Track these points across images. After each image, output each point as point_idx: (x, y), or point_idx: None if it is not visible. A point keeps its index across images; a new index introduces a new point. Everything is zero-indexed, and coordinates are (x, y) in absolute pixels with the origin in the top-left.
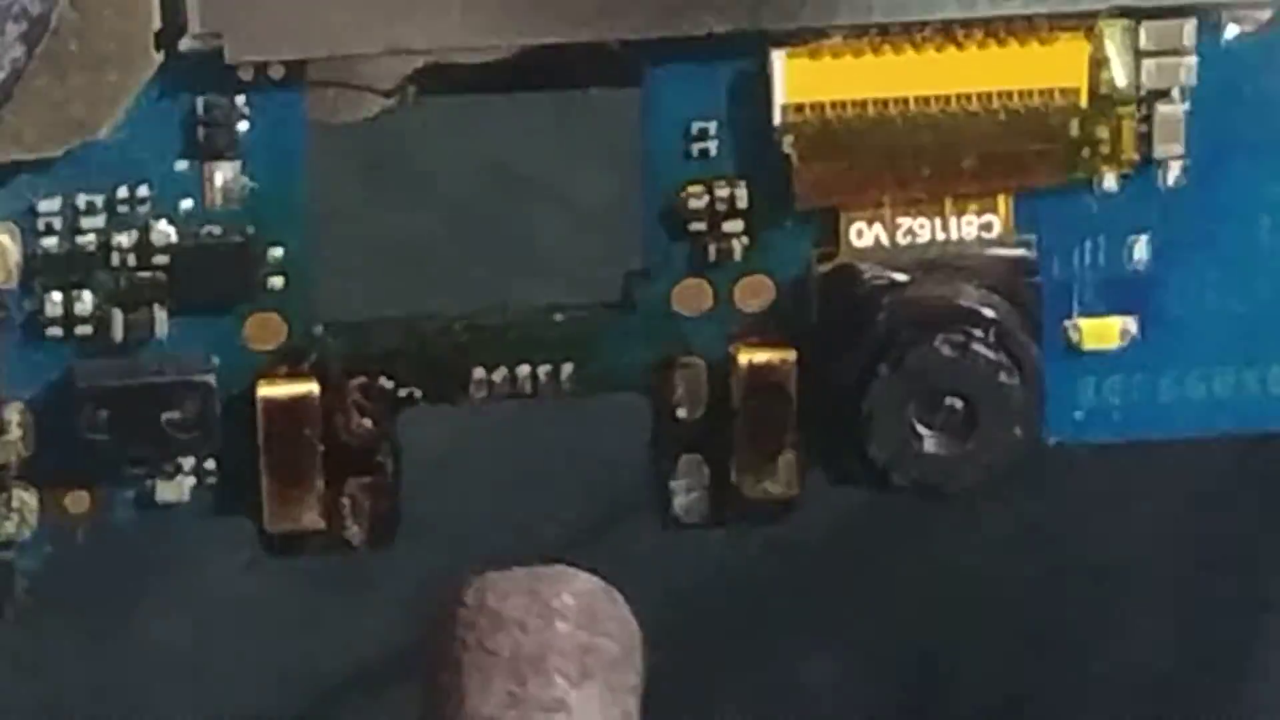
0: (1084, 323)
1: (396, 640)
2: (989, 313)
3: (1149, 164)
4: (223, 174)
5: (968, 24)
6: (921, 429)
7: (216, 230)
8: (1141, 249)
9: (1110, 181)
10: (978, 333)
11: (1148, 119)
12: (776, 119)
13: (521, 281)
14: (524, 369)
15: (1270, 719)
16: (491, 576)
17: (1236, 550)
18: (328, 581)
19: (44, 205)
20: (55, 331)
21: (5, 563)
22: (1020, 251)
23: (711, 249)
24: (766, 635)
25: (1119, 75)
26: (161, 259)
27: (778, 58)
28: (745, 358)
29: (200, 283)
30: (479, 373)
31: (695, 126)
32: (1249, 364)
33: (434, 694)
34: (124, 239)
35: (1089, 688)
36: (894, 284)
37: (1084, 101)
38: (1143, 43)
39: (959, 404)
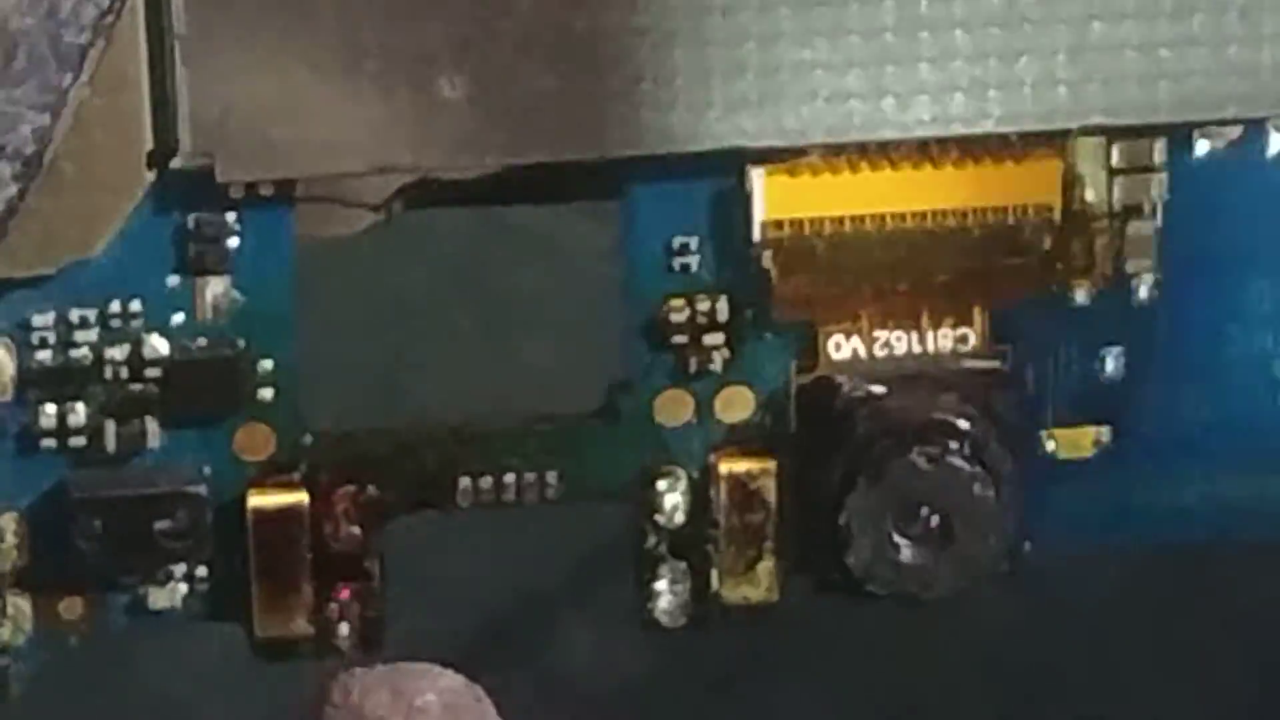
0: (1058, 433)
1: None
2: (964, 425)
3: (1121, 278)
4: (213, 289)
5: (943, 142)
6: (899, 539)
7: (207, 344)
8: (1114, 361)
9: (1083, 295)
10: (953, 444)
11: (1120, 235)
12: (756, 235)
13: (507, 392)
14: (510, 478)
15: None
16: (358, 673)
17: (1201, 657)
18: (317, 687)
19: (38, 320)
20: (49, 443)
21: (1, 668)
22: (995, 364)
23: (693, 361)
24: None
25: (1091, 192)
26: (154, 372)
27: (757, 175)
28: (726, 467)
29: (191, 395)
30: (465, 481)
31: (676, 241)
32: (1221, 473)
33: None
34: (117, 353)
35: None
36: (871, 396)
37: (1058, 218)
38: (1115, 160)
39: (936, 514)
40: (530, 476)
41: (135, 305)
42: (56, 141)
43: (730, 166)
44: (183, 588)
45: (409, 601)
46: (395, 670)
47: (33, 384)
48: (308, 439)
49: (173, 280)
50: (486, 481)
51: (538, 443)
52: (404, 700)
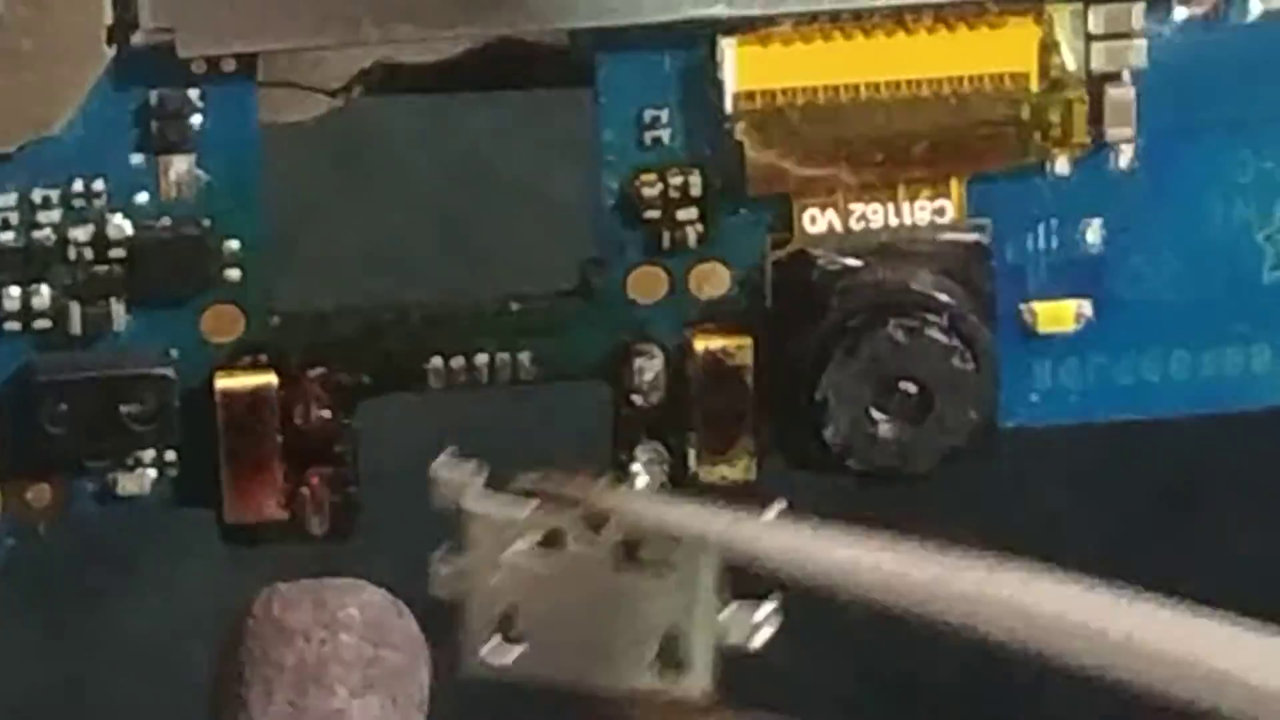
0: (1038, 306)
1: None
2: (942, 297)
3: (1101, 147)
4: (177, 168)
5: (917, 9)
6: (877, 414)
7: (172, 223)
8: (1094, 232)
9: (1062, 165)
10: (931, 318)
11: (1098, 102)
12: (728, 107)
13: (477, 271)
14: (481, 358)
15: None
16: (280, 588)
17: (1195, 530)
18: (290, 572)
19: None
20: (13, 326)
21: None
22: (973, 236)
23: (666, 237)
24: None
25: (1069, 59)
26: (118, 253)
27: (728, 45)
28: (701, 344)
29: (157, 276)
30: (436, 362)
31: (648, 115)
32: (1204, 345)
33: (218, 705)
34: (80, 233)
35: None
36: (847, 270)
37: (1034, 85)
38: (1092, 26)
39: (914, 388)
40: (503, 357)
41: (98, 185)
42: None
43: (700, 37)
44: (151, 473)
45: (381, 484)
46: (318, 584)
47: None
48: (275, 320)
49: (136, 159)
50: (458, 362)
51: (510, 322)
52: (326, 613)
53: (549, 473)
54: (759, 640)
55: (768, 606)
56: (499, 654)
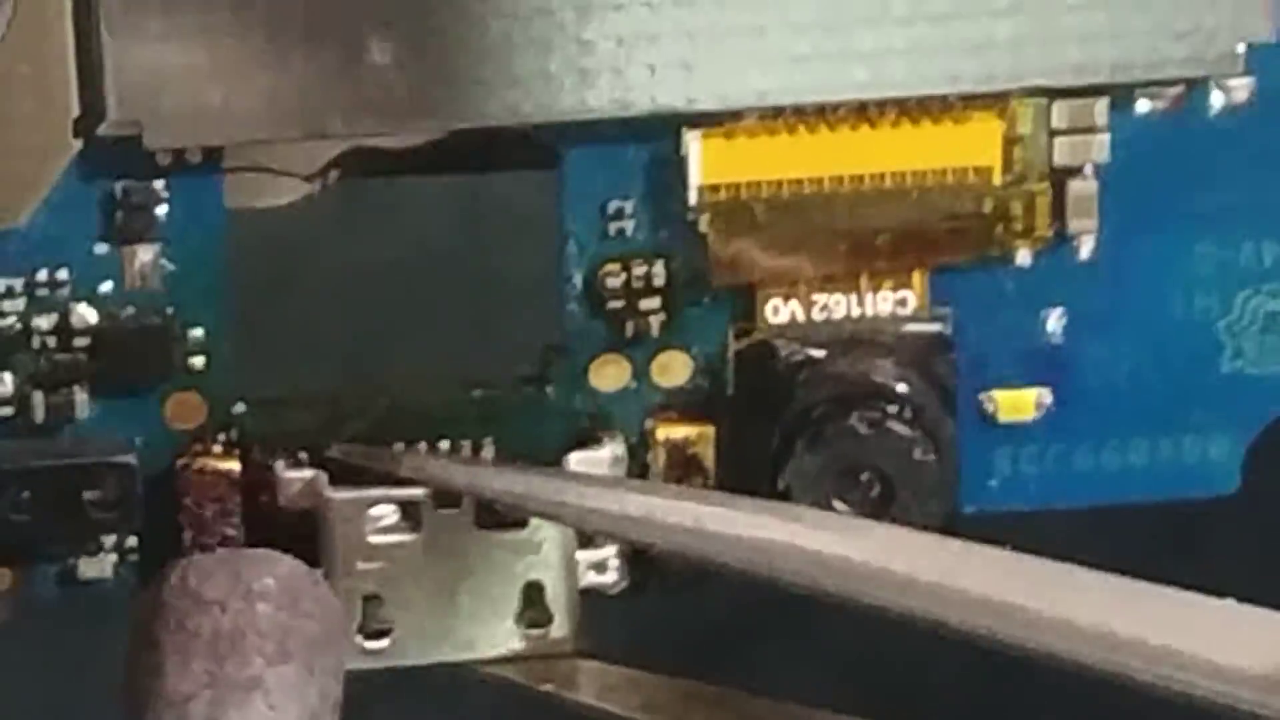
0: (1000, 394)
1: None
2: (904, 389)
3: (1062, 239)
4: (142, 257)
5: (881, 104)
6: (839, 504)
7: (136, 312)
8: (1056, 322)
9: (1024, 256)
10: (893, 409)
11: (1061, 195)
12: (692, 199)
13: (441, 359)
14: (444, 445)
15: None
16: (196, 559)
17: None
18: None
19: None
20: None
21: None
22: (935, 327)
23: (629, 326)
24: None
25: (1032, 152)
26: (82, 341)
27: (692, 138)
28: (664, 433)
29: (121, 364)
30: (399, 448)
31: (612, 206)
32: (1163, 433)
33: (134, 674)
34: (44, 321)
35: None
36: (810, 360)
37: (998, 179)
38: (1055, 121)
39: (876, 479)
40: (465, 445)
41: (62, 274)
42: None
43: (665, 130)
44: (113, 558)
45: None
46: (234, 555)
47: None
48: (239, 407)
49: (101, 248)
50: (420, 448)
51: (472, 410)
52: (242, 583)
53: (364, 449)
54: (610, 580)
55: (613, 546)
56: (370, 645)
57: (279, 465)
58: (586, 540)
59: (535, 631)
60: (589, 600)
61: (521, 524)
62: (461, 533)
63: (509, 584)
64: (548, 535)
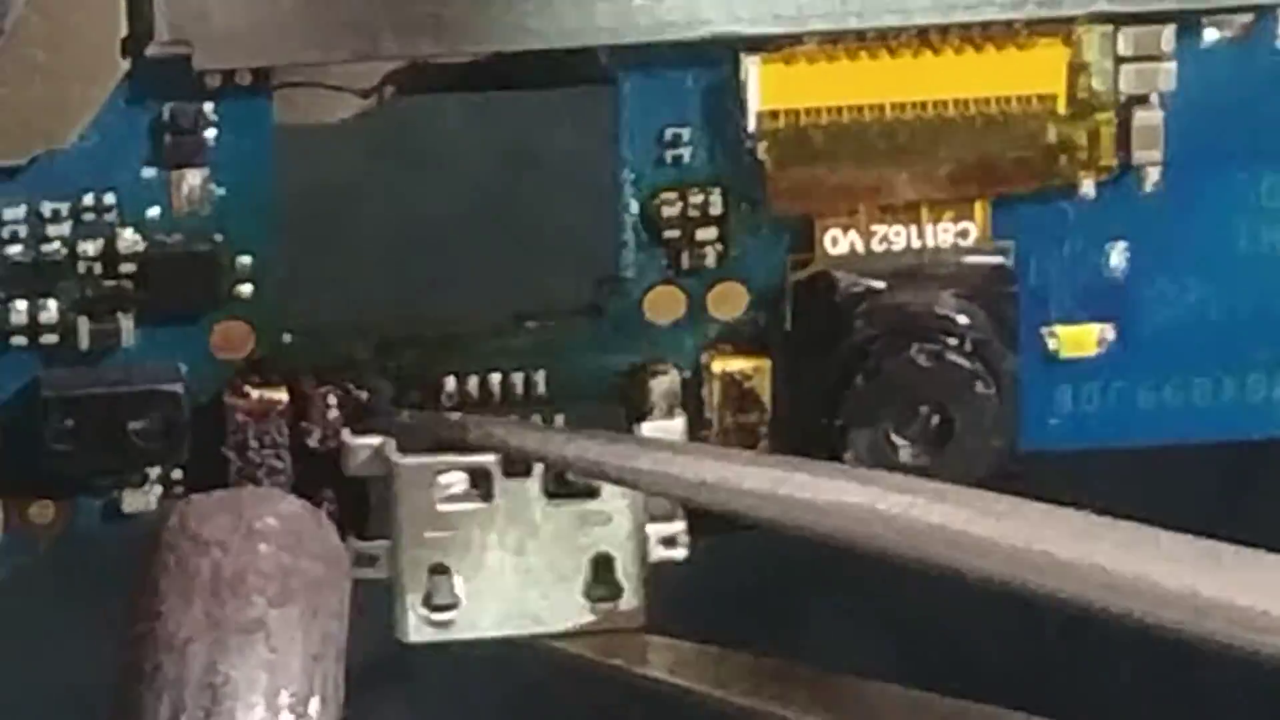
0: (1061, 330)
1: (372, 648)
2: (965, 321)
3: (1127, 170)
4: (190, 181)
5: (945, 30)
6: (897, 439)
7: (184, 238)
8: (1119, 255)
9: (1088, 188)
10: (953, 342)
11: (1126, 125)
12: (751, 125)
13: (493, 289)
14: (495, 377)
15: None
16: (196, 499)
17: None
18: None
19: (9, 213)
20: (20, 340)
21: None
22: (997, 259)
23: (685, 256)
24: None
25: (1097, 81)
26: (128, 267)
27: (752, 64)
28: (719, 366)
29: (167, 291)
30: (450, 382)
31: (669, 133)
32: (1227, 371)
33: (134, 617)
34: (90, 247)
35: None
36: (869, 292)
37: (1062, 107)
38: (1121, 48)
39: (935, 414)
40: (517, 377)
41: (109, 198)
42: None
43: (724, 55)
44: (158, 490)
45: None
46: (234, 495)
47: (3, 279)
48: (287, 337)
49: (148, 172)
50: (472, 382)
51: (525, 341)
52: (243, 523)
53: (432, 415)
54: (680, 553)
55: (682, 520)
56: (436, 618)
57: (345, 433)
58: (656, 513)
59: (604, 605)
60: (660, 574)
61: (592, 494)
62: (531, 502)
63: (578, 556)
64: (618, 507)
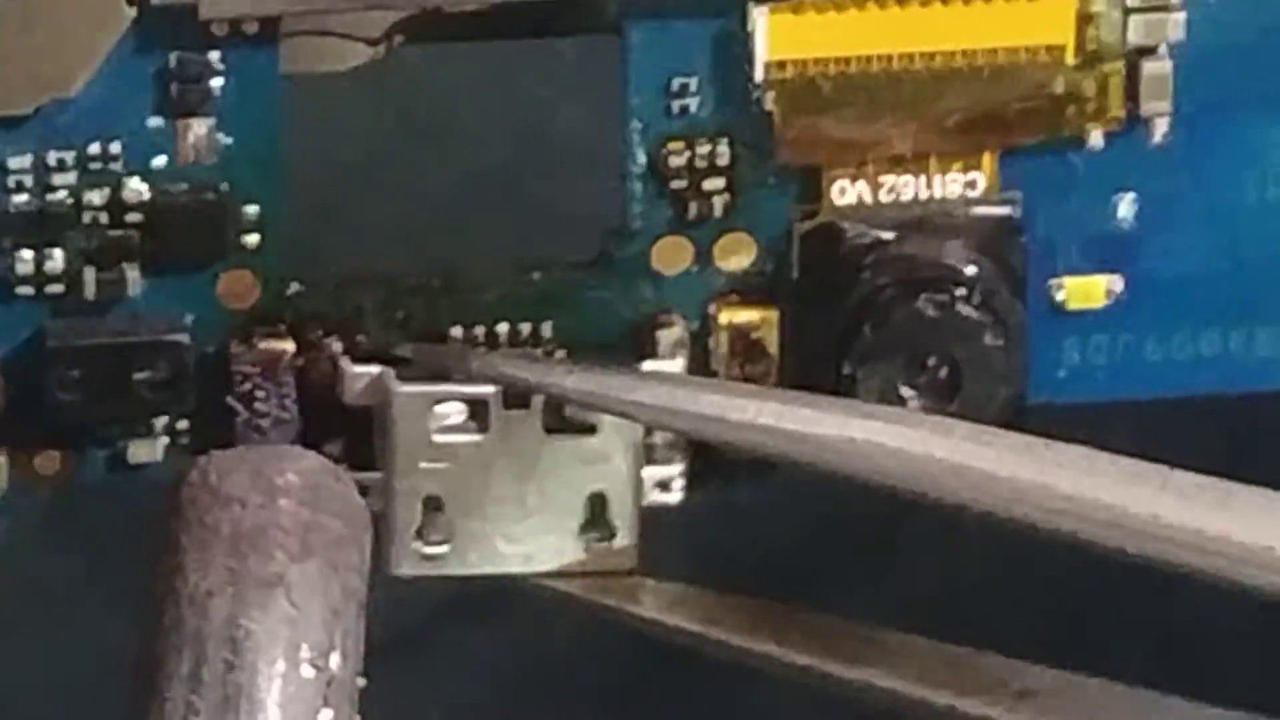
0: (1069, 281)
1: (379, 606)
2: (973, 272)
3: (1135, 121)
4: (196, 131)
5: None
6: (905, 389)
7: (190, 187)
8: (1127, 207)
9: (1096, 139)
10: (961, 292)
11: (1134, 75)
12: (758, 75)
13: (500, 239)
14: (503, 327)
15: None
16: (216, 455)
17: None
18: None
19: (14, 162)
20: (26, 290)
21: None
22: (1005, 210)
23: (692, 207)
24: (769, 590)
25: (1106, 31)
26: (134, 217)
27: (760, 14)
28: (726, 316)
29: (173, 240)
30: (457, 332)
31: (676, 83)
32: (1235, 324)
33: (156, 574)
34: (96, 196)
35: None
36: (877, 242)
37: (1070, 58)
38: None
39: (943, 364)
40: (524, 327)
41: (115, 147)
42: None
43: (732, 5)
44: (164, 440)
45: None
46: (255, 451)
47: (8, 229)
48: (294, 287)
49: (154, 121)
50: (478, 331)
51: (532, 291)
52: (264, 479)
53: (431, 346)
54: (675, 496)
55: (679, 464)
56: (427, 551)
57: (343, 359)
58: (652, 456)
59: (598, 545)
60: (652, 517)
61: (590, 431)
62: (529, 436)
63: (574, 493)
64: (616, 447)
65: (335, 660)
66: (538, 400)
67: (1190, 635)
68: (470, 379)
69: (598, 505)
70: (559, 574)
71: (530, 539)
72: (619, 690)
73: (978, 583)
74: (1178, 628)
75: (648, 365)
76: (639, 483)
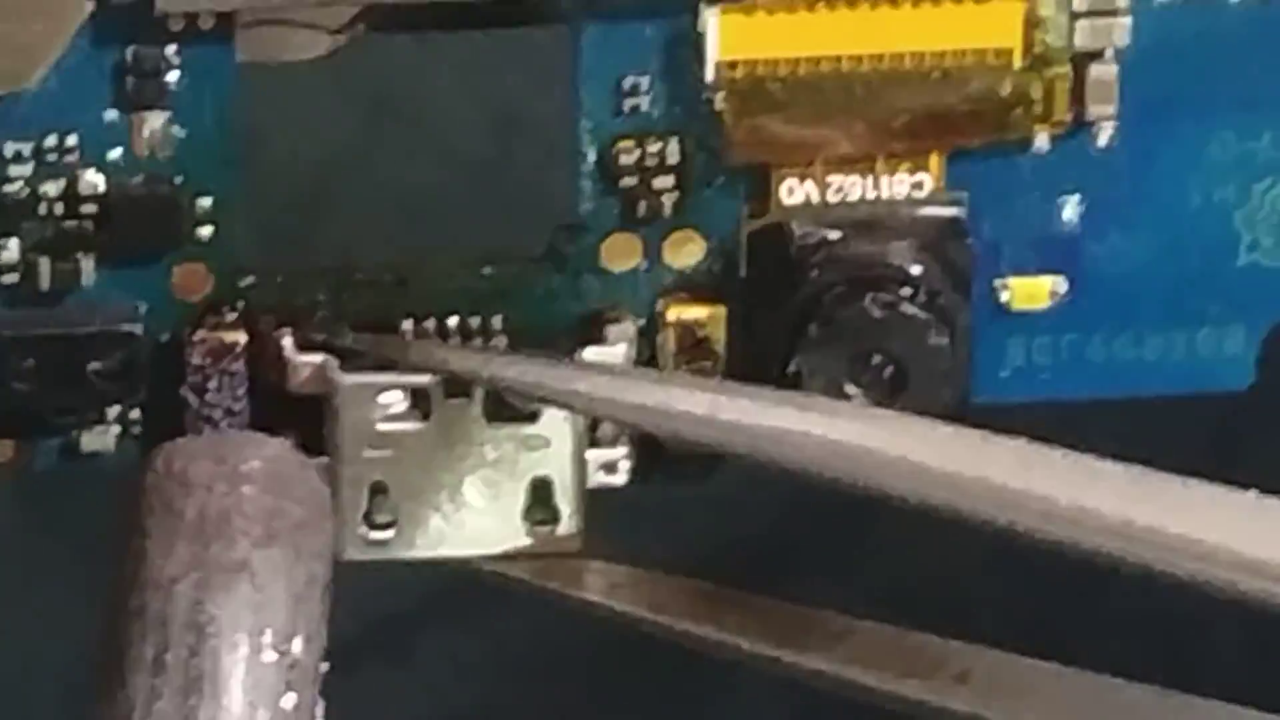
0: (1014, 282)
1: (360, 604)
2: (918, 271)
3: (1081, 124)
4: (151, 124)
5: None
6: (850, 388)
7: (145, 179)
8: (1072, 209)
9: (1042, 141)
10: (907, 292)
11: (1080, 79)
12: (709, 75)
13: (452, 233)
14: (453, 321)
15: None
16: (180, 442)
17: None
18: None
19: None
20: None
21: None
22: (951, 210)
23: (642, 204)
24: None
25: (1053, 35)
26: (89, 208)
27: (711, 14)
28: (674, 314)
29: (128, 232)
30: (408, 325)
31: (627, 82)
32: (1177, 325)
33: (121, 560)
34: (51, 188)
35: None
36: (824, 242)
37: (1017, 61)
38: (1077, 3)
39: (888, 363)
40: (474, 320)
41: (71, 139)
42: None
43: (683, 5)
44: (116, 430)
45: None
46: (219, 438)
47: None
48: (247, 279)
49: (110, 114)
50: (429, 324)
51: (482, 285)
52: (228, 466)
53: (374, 336)
54: (620, 480)
55: (623, 447)
56: (374, 536)
57: (288, 347)
58: (596, 439)
59: (542, 529)
60: (597, 500)
61: (532, 418)
62: (471, 424)
63: (517, 479)
64: (558, 431)
65: (298, 645)
66: (479, 389)
67: (1168, 626)
68: (412, 369)
69: (542, 490)
70: (504, 558)
71: (475, 523)
72: (602, 686)
73: (948, 571)
74: (1156, 619)
75: (589, 352)
76: (583, 466)
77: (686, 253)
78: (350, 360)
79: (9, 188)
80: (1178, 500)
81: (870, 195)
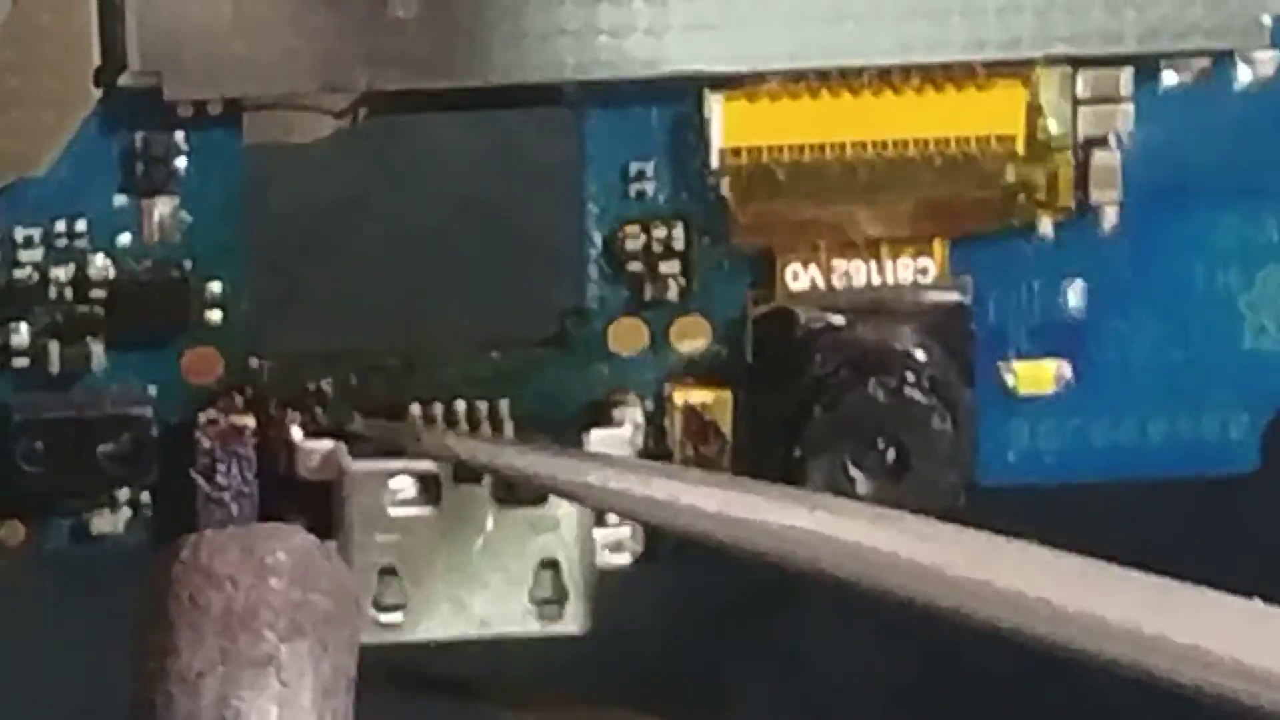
0: (1019, 366)
1: None
2: (922, 356)
3: (1085, 210)
4: (160, 209)
5: (906, 70)
6: (855, 471)
7: (154, 265)
8: (1077, 294)
9: (1046, 227)
10: (911, 377)
11: (1084, 166)
12: (714, 161)
13: (459, 318)
14: (460, 405)
15: None
16: (206, 534)
17: None
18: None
19: None
20: None
21: None
22: (955, 296)
23: (648, 289)
24: (694, 673)
25: (1055, 122)
26: (99, 293)
27: (715, 101)
28: (681, 398)
29: (137, 316)
30: (415, 409)
31: (633, 167)
32: (1183, 409)
33: (145, 653)
34: (61, 273)
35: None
36: (829, 327)
37: (1021, 148)
38: (1080, 90)
39: (892, 447)
40: (482, 405)
41: (81, 225)
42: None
43: (688, 92)
44: (126, 513)
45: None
46: (245, 530)
47: None
48: (255, 363)
49: (119, 200)
50: (437, 409)
51: (490, 370)
52: (254, 558)
53: (384, 423)
54: (626, 559)
55: (630, 526)
56: (384, 619)
57: (297, 435)
58: (603, 518)
59: (550, 609)
60: (606, 579)
61: (540, 501)
62: (480, 508)
63: (525, 561)
64: (566, 513)
65: None
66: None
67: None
68: (421, 455)
69: (550, 570)
70: (512, 638)
71: (484, 605)
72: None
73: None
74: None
75: (596, 434)
76: (591, 546)
77: (693, 337)
78: (358, 444)
79: (19, 273)
80: (1184, 607)
81: (875, 280)
